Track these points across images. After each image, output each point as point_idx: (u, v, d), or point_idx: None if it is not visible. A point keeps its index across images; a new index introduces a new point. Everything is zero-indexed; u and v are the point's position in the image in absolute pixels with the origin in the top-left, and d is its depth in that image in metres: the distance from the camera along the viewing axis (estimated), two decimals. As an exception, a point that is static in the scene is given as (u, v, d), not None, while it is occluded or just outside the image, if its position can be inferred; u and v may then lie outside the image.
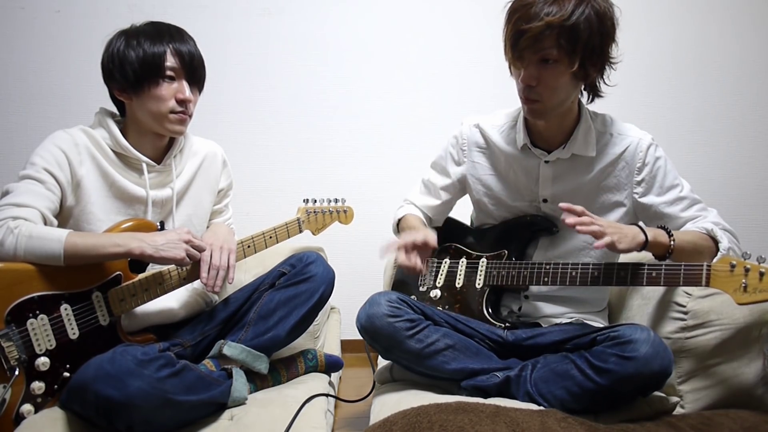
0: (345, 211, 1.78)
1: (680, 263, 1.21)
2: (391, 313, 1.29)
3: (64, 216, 1.34)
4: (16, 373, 1.17)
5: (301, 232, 1.68)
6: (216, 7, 2.08)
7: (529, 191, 1.44)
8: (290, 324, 1.43)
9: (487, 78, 2.15)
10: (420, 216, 1.58)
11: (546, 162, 1.41)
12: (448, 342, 1.32)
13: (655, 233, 1.26)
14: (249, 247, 1.53)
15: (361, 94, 2.16)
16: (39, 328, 1.21)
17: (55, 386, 1.23)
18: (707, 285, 1.18)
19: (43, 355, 1.21)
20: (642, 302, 1.47)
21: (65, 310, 1.25)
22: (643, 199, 1.38)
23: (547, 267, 1.35)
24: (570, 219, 1.19)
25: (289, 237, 1.64)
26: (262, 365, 1.40)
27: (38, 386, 1.20)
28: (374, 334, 1.31)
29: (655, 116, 2.19)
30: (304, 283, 1.46)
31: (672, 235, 1.26)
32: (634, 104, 2.18)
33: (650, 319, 1.41)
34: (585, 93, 1.38)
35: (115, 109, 1.44)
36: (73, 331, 1.26)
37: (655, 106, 2.19)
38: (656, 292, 1.42)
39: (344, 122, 2.17)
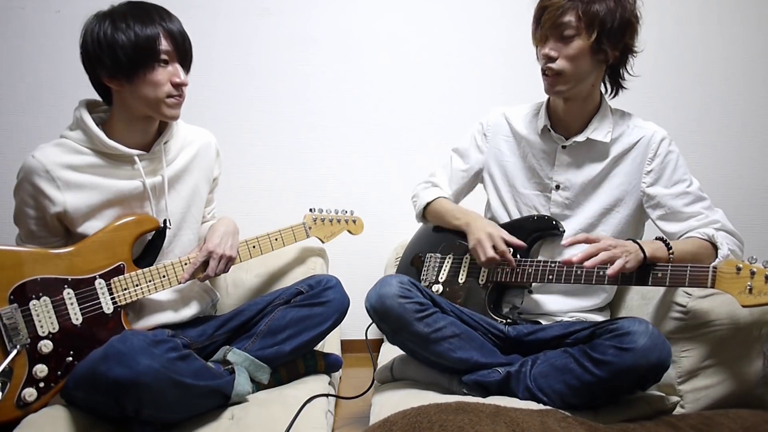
0: (354, 221, 1.79)
1: (686, 264, 1.22)
2: (402, 294, 1.30)
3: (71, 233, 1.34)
4: (18, 348, 1.18)
5: (308, 237, 1.69)
6: (215, 7, 2.07)
7: (544, 177, 1.48)
8: (297, 343, 1.43)
9: (488, 77, 2.15)
10: (451, 200, 1.62)
11: (563, 147, 1.45)
12: (455, 330, 1.33)
13: (652, 248, 1.27)
14: (254, 247, 1.54)
15: (363, 94, 2.15)
16: (42, 309, 1.23)
17: (59, 372, 1.23)
18: (712, 287, 1.19)
19: (46, 338, 1.22)
20: (642, 302, 1.48)
21: (68, 294, 1.26)
22: (650, 189, 1.41)
23: (552, 265, 1.37)
24: (576, 257, 1.24)
25: (295, 241, 1.65)
26: (263, 376, 1.40)
27: (41, 369, 1.21)
28: (384, 314, 1.31)
29: (656, 116, 2.13)
30: (319, 306, 1.46)
31: (671, 247, 1.28)
32: (636, 104, 2.16)
33: (651, 319, 1.41)
34: (608, 85, 1.45)
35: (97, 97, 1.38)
36: (76, 316, 1.26)
37: (657, 106, 2.19)
38: (656, 292, 1.43)
39: (345, 122, 2.16)
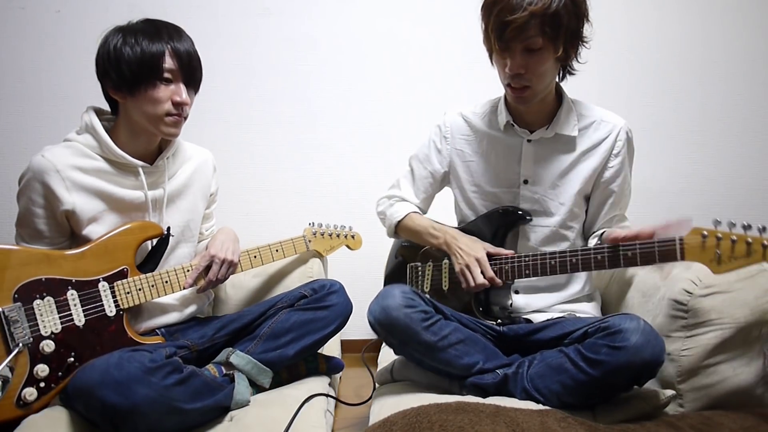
0: (353, 237, 1.80)
1: (653, 241, 1.19)
2: (406, 304, 1.28)
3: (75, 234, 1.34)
4: (20, 347, 1.18)
5: (307, 249, 1.70)
6: (215, 7, 2.08)
7: (511, 172, 1.45)
8: (300, 347, 1.44)
9: (492, 77, 2.13)
10: (420, 213, 1.59)
11: (529, 141, 1.43)
12: (459, 336, 1.32)
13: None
14: (255, 257, 1.56)
15: (364, 94, 2.15)
16: (45, 308, 1.23)
17: (60, 373, 1.23)
18: (682, 259, 1.17)
19: (48, 338, 1.23)
20: (642, 300, 1.47)
21: (71, 295, 1.27)
22: (604, 182, 1.42)
23: (527, 259, 1.35)
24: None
25: (295, 253, 1.67)
26: (265, 379, 1.40)
27: (42, 369, 1.21)
28: (390, 326, 1.28)
29: (656, 115, 2.18)
30: (322, 311, 1.47)
31: None
32: (636, 103, 2.18)
33: (651, 317, 1.41)
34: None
35: (106, 106, 1.40)
36: (78, 317, 1.27)
37: (657, 106, 2.19)
38: (656, 289, 1.42)
39: (345, 122, 2.16)
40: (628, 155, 1.43)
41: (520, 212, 1.43)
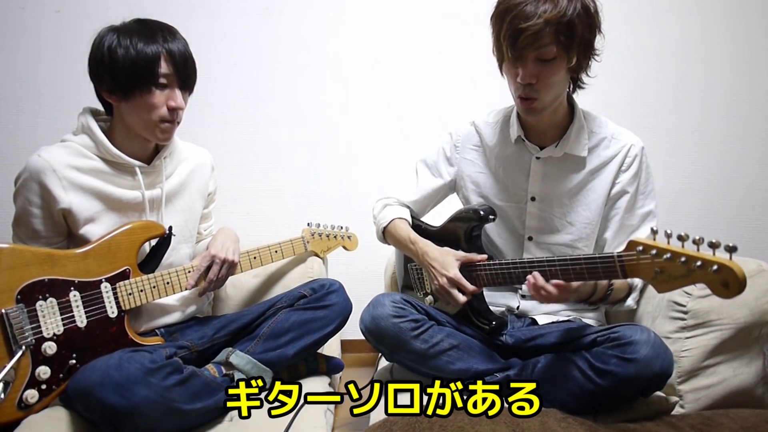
0: (349, 237, 1.81)
1: (596, 255, 1.14)
2: (395, 314, 1.29)
3: (73, 234, 1.34)
4: (23, 349, 1.18)
5: (306, 250, 1.71)
6: (216, 8, 2.07)
7: (518, 188, 1.44)
8: (300, 346, 1.44)
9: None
10: (408, 218, 1.55)
11: (538, 158, 1.41)
12: (452, 342, 1.32)
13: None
14: (255, 258, 1.56)
15: (362, 95, 2.15)
16: (47, 310, 1.23)
17: (61, 375, 1.23)
18: (625, 276, 1.09)
19: (50, 339, 1.22)
20: (643, 300, 1.47)
21: (74, 296, 1.26)
22: (611, 199, 1.38)
23: (495, 267, 1.32)
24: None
25: (294, 254, 1.68)
26: (265, 379, 1.40)
27: (44, 371, 1.21)
28: (379, 335, 1.30)
29: (656, 116, 2.18)
30: (322, 310, 1.47)
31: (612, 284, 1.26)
32: (635, 104, 2.17)
33: (650, 318, 1.41)
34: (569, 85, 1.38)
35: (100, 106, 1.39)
36: (81, 319, 1.27)
37: (657, 106, 2.18)
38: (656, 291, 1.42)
39: (344, 122, 2.16)
40: (642, 177, 1.38)
41: (481, 213, 1.36)
